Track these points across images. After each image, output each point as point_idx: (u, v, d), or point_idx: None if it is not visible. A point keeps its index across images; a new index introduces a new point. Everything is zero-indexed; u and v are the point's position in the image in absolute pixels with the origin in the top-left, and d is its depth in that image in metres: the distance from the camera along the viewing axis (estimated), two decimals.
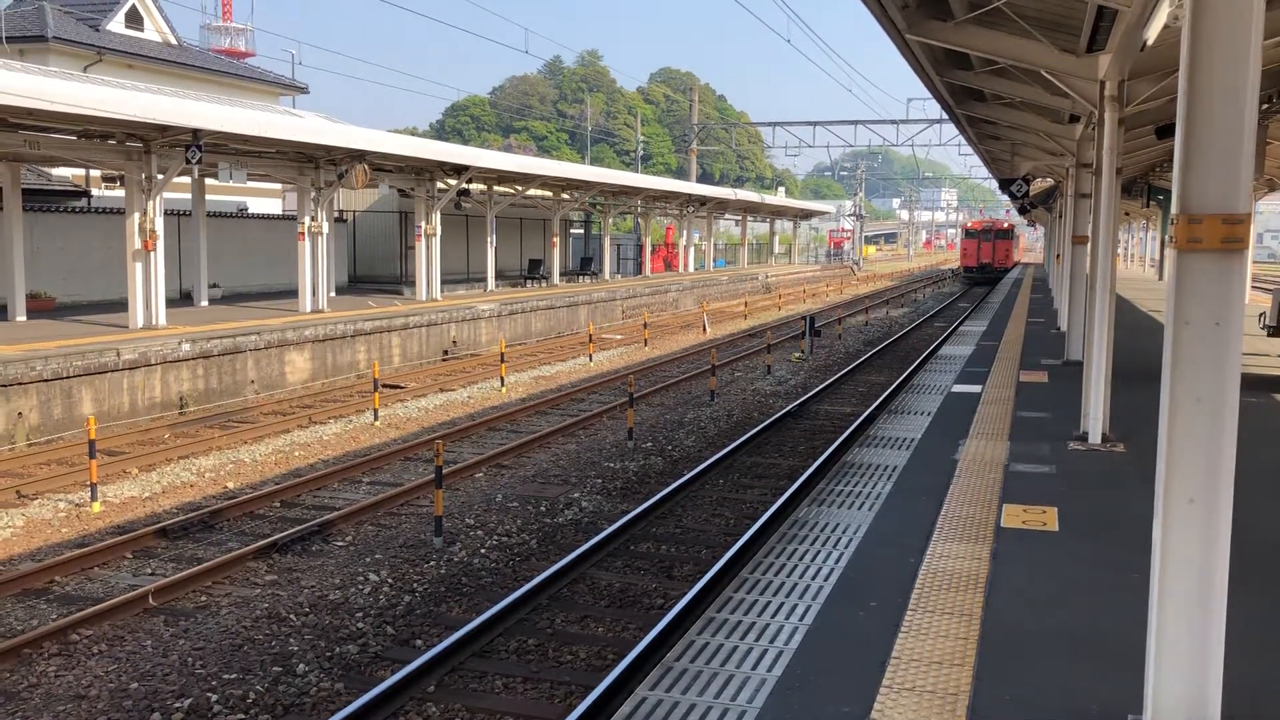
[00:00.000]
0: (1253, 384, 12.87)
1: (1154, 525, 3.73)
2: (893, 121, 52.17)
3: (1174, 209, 3.58)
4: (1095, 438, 9.60)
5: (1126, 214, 42.04)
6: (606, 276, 39.30)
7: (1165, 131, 13.15)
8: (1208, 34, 3.45)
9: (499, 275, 32.45)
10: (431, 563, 9.14)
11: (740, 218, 55.56)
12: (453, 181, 26.03)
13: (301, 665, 7.01)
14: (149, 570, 9.01)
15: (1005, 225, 57.29)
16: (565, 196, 34.01)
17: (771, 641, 5.11)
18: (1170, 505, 3.64)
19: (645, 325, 27.10)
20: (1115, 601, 5.60)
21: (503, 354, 19.54)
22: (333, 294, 24.83)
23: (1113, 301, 9.73)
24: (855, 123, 52.23)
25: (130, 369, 14.90)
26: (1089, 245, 11.21)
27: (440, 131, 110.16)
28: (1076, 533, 6.88)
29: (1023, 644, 5.02)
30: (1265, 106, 11.95)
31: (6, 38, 28.84)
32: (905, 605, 5.54)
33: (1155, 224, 41.04)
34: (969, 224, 60.60)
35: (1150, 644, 3.72)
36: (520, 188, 30.72)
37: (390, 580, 8.67)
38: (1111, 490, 8.07)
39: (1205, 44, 3.46)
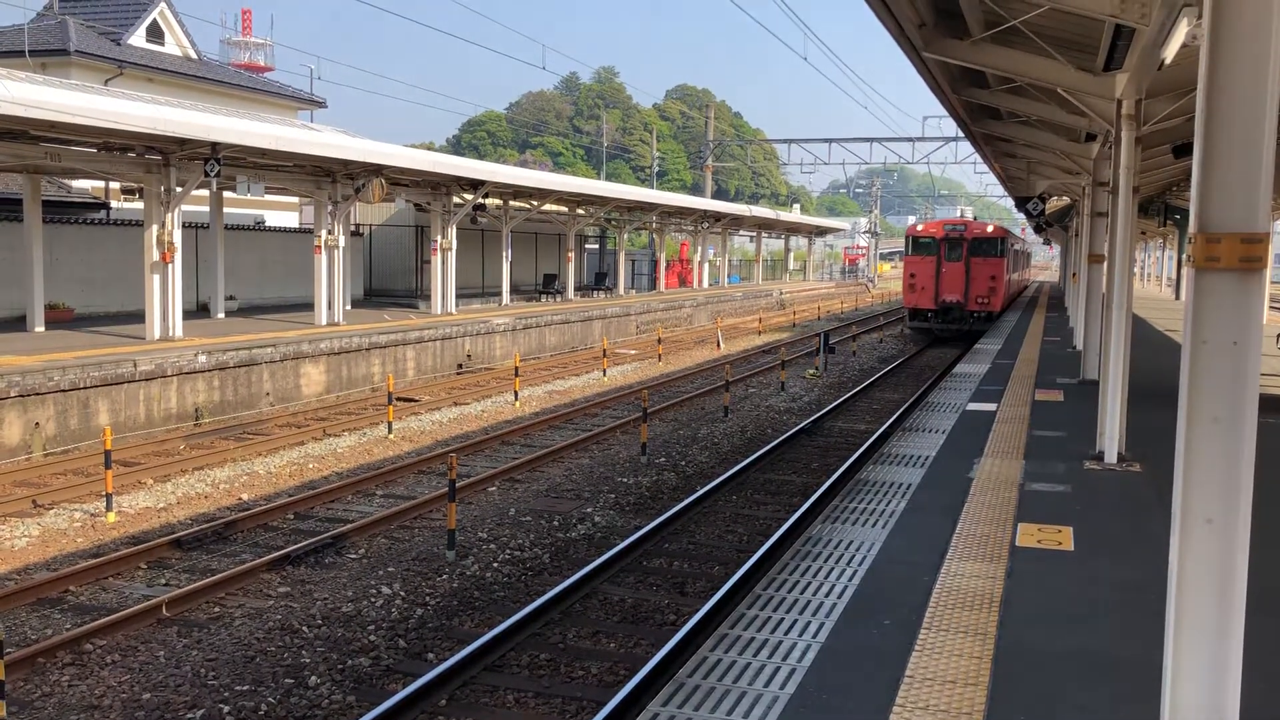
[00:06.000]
0: (1270, 405, 12.77)
1: (1170, 545, 3.70)
2: (908, 139, 52.12)
3: (1192, 228, 3.56)
4: (1111, 457, 9.54)
5: (1143, 233, 41.91)
6: (621, 292, 39.35)
7: (1182, 150, 13.13)
8: (1227, 52, 3.44)
9: (514, 290, 32.53)
10: (444, 576, 9.14)
11: (755, 234, 55.58)
12: (469, 196, 26.14)
13: (314, 677, 7.02)
14: (163, 581, 9.04)
15: (989, 230, 30.76)
16: (580, 212, 34.10)
17: (785, 659, 5.09)
18: (1187, 525, 3.61)
19: (659, 341, 27.12)
20: (1131, 622, 5.56)
21: (517, 368, 19.57)
22: (348, 307, 24.93)
23: (1129, 320, 9.69)
24: (871, 140, 52.18)
25: (146, 380, 14.98)
26: (1105, 264, 11.17)
27: (457, 146, 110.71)
28: (1092, 552, 6.83)
29: (1037, 664, 4.99)
30: None
31: (29, 51, 29.14)
32: (919, 623, 5.51)
33: (1172, 243, 40.78)
34: (918, 226, 33.60)
35: (1166, 666, 3.69)
36: (535, 203, 30.83)
37: (403, 593, 8.67)
38: (1128, 510, 8.02)
39: (1224, 62, 3.45)
